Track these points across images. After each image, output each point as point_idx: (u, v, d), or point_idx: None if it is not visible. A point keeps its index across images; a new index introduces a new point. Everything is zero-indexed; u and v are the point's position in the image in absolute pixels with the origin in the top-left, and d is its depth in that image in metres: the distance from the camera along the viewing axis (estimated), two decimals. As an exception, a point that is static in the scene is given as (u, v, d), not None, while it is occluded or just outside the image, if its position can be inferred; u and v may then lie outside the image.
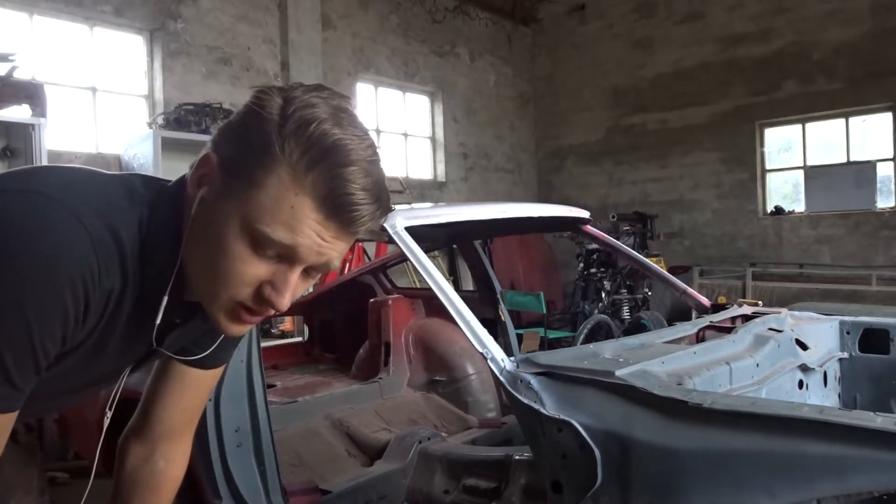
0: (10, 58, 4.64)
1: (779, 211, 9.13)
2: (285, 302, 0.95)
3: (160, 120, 6.07)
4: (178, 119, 5.99)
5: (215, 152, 0.95)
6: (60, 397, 1.16)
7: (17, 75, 4.64)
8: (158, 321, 0.99)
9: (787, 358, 2.31)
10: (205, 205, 0.94)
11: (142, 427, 1.31)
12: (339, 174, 0.88)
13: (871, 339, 2.77)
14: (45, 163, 4.62)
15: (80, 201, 0.91)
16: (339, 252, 0.94)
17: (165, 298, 0.98)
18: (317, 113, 0.89)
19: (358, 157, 0.89)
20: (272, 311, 0.97)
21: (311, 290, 5.15)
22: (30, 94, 4.64)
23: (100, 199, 0.94)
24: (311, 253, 0.91)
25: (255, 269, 0.92)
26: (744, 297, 7.19)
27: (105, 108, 6.26)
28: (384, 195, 0.93)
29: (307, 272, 0.96)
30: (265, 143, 0.89)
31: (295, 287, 0.95)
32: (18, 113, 4.64)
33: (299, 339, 5.42)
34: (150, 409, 1.29)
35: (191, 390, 1.28)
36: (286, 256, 0.92)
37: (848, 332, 2.81)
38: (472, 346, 1.99)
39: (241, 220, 0.90)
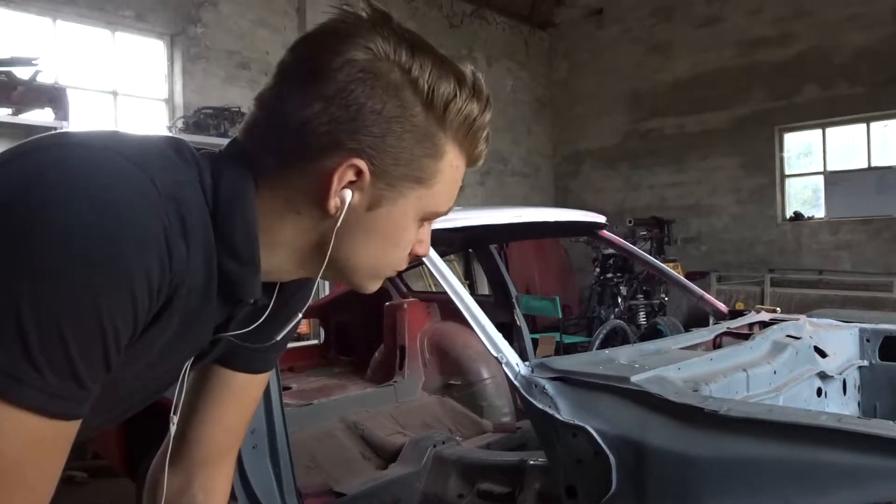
0: (33, 62, 4.72)
1: (798, 216, 9.04)
2: (429, 251, 0.98)
3: (180, 124, 6.14)
4: (198, 123, 6.05)
5: (365, 160, 0.82)
6: (118, 407, 0.95)
7: (41, 79, 4.71)
8: (249, 300, 0.88)
9: (805, 365, 2.28)
10: (356, 208, 0.85)
11: (176, 453, 1.08)
12: (486, 136, 0.93)
13: (892, 347, 2.73)
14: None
15: (141, 154, 0.77)
16: None
17: (258, 276, 0.87)
18: (452, 88, 0.85)
19: (489, 104, 0.92)
20: None
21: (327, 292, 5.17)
22: (52, 97, 4.71)
23: (157, 152, 0.80)
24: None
25: (413, 236, 0.92)
26: (762, 304, 7.12)
27: (126, 111, 6.34)
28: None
29: None
30: (428, 133, 0.84)
31: None
32: (41, 116, 4.70)
33: (315, 341, 5.45)
34: (186, 430, 1.08)
35: (236, 402, 1.10)
36: (434, 216, 0.94)
37: (868, 340, 2.78)
38: (488, 350, 1.99)
39: (415, 212, 0.89)
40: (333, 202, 0.84)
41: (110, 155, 0.74)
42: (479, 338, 2.02)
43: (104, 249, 0.69)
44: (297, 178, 0.85)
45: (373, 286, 0.95)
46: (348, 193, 0.84)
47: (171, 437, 1.02)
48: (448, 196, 0.90)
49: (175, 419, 0.99)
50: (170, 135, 0.92)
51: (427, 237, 0.95)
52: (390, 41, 0.85)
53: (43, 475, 0.73)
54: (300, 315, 1.06)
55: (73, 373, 0.70)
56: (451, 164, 0.88)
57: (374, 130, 0.82)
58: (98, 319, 0.70)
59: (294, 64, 0.87)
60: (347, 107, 0.81)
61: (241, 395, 1.10)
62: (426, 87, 0.83)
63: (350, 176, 0.83)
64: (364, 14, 0.87)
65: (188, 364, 0.96)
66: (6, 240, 0.68)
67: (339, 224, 0.85)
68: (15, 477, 0.69)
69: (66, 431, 0.72)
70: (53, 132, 0.82)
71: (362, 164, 0.82)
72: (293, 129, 0.83)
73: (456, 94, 0.84)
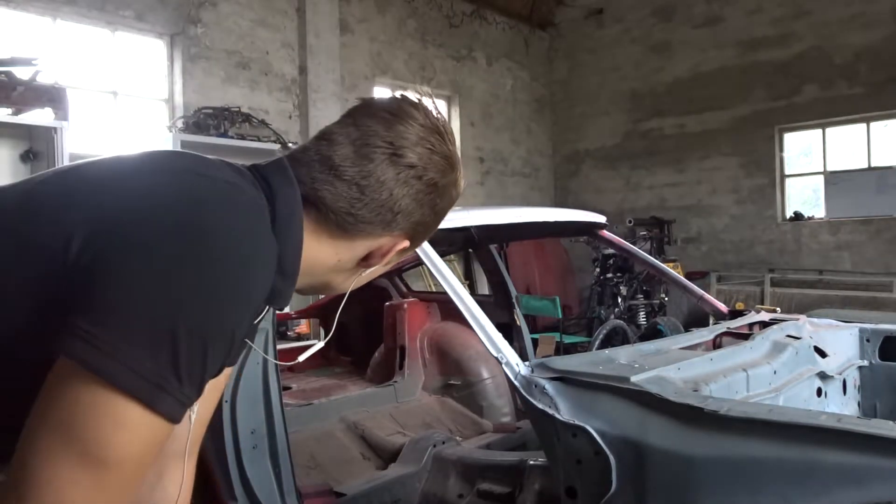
0: (33, 62, 4.71)
1: (798, 216, 9.04)
2: None
3: (180, 123, 6.14)
4: (198, 123, 6.05)
5: (407, 237, 1.05)
6: None
7: (40, 79, 4.71)
8: (288, 309, 1.07)
9: (805, 365, 2.28)
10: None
11: None
12: None
13: (892, 347, 2.73)
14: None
15: (251, 196, 0.92)
16: None
17: (293, 288, 1.02)
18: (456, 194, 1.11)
19: None
20: None
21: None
22: (52, 97, 4.71)
23: (255, 193, 0.94)
24: None
25: None
26: (762, 304, 7.12)
27: (126, 111, 6.34)
28: None
29: None
30: (446, 209, 1.08)
31: None
32: (41, 116, 4.70)
33: (315, 341, 5.45)
34: None
35: (211, 396, 1.16)
36: None
37: (868, 340, 2.78)
38: (488, 350, 1.99)
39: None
40: (375, 261, 1.04)
41: (241, 186, 0.91)
42: (479, 338, 2.02)
43: (248, 276, 0.81)
44: (345, 225, 0.99)
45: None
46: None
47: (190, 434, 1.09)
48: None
49: (192, 416, 1.03)
50: (216, 157, 1.04)
51: None
52: (437, 152, 1.02)
53: (147, 468, 0.81)
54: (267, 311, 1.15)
55: (201, 384, 0.79)
56: None
57: (426, 221, 1.04)
58: (232, 338, 0.80)
59: (376, 135, 0.99)
60: (420, 203, 1.01)
61: (214, 386, 1.14)
62: (456, 194, 1.07)
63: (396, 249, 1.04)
64: (424, 119, 1.02)
65: None
66: (171, 255, 0.77)
67: (364, 273, 1.07)
68: (137, 474, 0.78)
69: (165, 434, 0.80)
70: (189, 154, 0.98)
71: (407, 244, 1.05)
72: (366, 195, 0.98)
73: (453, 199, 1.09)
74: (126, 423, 0.75)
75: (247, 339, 0.98)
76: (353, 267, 1.06)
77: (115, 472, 0.75)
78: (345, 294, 1.12)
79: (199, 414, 1.13)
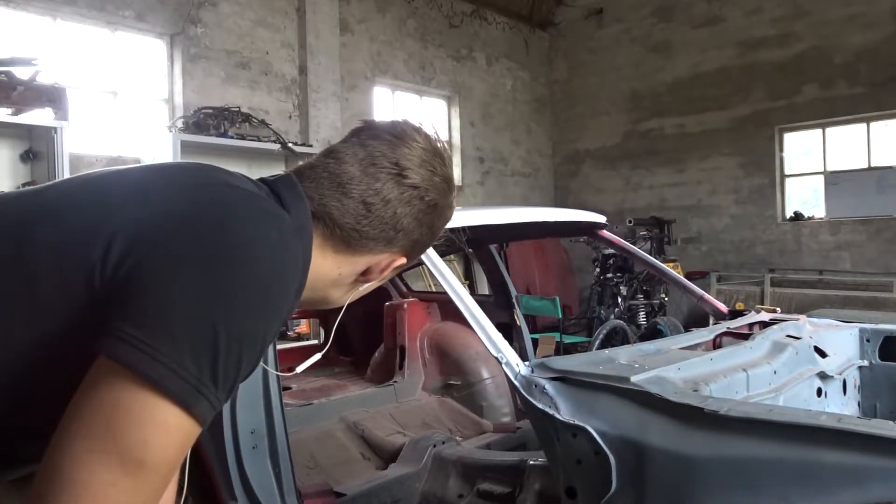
0: (32, 62, 4.71)
1: (798, 216, 9.03)
2: None
3: (180, 123, 6.14)
4: (198, 123, 6.05)
5: (404, 254, 1.10)
6: None
7: (40, 79, 4.71)
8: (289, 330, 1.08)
9: (805, 365, 2.28)
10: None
11: None
12: None
13: (892, 347, 2.73)
14: (65, 166, 4.69)
15: (277, 209, 0.96)
16: None
17: (298, 300, 1.02)
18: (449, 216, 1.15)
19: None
20: None
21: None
22: (52, 97, 4.71)
23: (277, 207, 0.98)
24: None
25: None
26: (762, 304, 7.12)
27: (126, 111, 6.34)
28: None
29: None
30: (441, 229, 1.14)
31: None
32: (41, 116, 4.70)
33: (315, 341, 5.45)
34: None
35: None
36: None
37: (868, 340, 2.78)
38: (487, 350, 1.99)
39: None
40: (373, 276, 1.08)
41: (267, 200, 0.95)
42: (479, 338, 2.02)
43: (284, 286, 0.85)
44: (350, 241, 1.03)
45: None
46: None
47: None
48: None
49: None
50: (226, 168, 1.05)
51: None
52: (438, 175, 1.08)
53: (176, 472, 0.86)
54: None
55: (232, 389, 0.82)
56: None
57: (423, 240, 1.09)
58: (264, 348, 0.83)
59: (383, 155, 1.04)
60: (420, 223, 1.06)
61: None
62: (450, 216, 1.13)
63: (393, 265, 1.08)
64: (425, 142, 1.09)
65: None
66: (213, 262, 0.80)
67: (361, 288, 1.11)
68: (168, 476, 0.80)
69: (194, 433, 0.81)
70: (213, 166, 1.01)
71: (404, 261, 1.09)
72: (372, 213, 1.02)
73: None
74: (167, 424, 0.76)
75: None
76: (352, 282, 1.10)
77: (152, 474, 0.76)
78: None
79: None
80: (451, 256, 7.86)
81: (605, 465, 1.65)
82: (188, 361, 0.76)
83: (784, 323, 2.63)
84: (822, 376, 2.34)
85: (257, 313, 0.81)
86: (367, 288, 1.14)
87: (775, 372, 2.10)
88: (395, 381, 3.61)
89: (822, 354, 2.44)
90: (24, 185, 4.70)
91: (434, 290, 5.80)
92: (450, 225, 1.17)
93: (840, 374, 2.48)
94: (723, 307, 3.09)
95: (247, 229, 0.85)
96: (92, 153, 5.91)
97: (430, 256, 2.12)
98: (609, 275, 7.90)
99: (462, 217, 2.48)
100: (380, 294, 4.20)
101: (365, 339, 4.24)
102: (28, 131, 4.81)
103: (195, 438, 0.81)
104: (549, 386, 1.81)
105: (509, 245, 7.86)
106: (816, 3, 8.65)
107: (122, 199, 0.90)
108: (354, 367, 4.31)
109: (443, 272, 2.13)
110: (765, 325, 2.70)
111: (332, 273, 1.06)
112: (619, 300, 7.78)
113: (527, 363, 1.91)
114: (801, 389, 2.16)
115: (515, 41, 10.62)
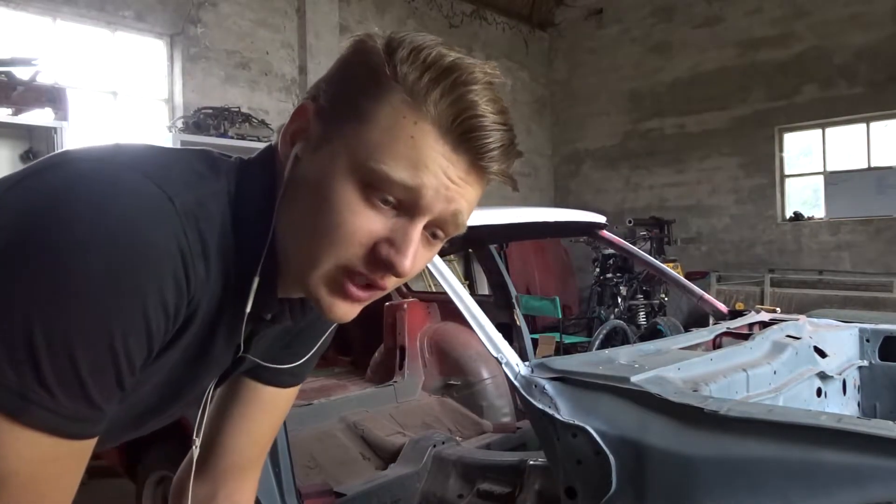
0: (33, 62, 4.72)
1: (798, 217, 9.04)
2: (408, 263, 0.76)
3: (180, 123, 6.14)
4: (198, 123, 6.05)
5: (312, 101, 0.80)
6: (139, 422, 0.93)
7: (40, 79, 4.71)
8: (248, 308, 0.81)
9: (805, 365, 2.29)
10: (301, 163, 0.79)
11: (203, 461, 1.05)
12: (465, 94, 0.75)
13: (892, 347, 2.73)
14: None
15: (160, 171, 0.74)
16: (468, 201, 0.80)
17: (256, 280, 0.80)
18: (428, 40, 0.76)
19: (483, 75, 0.77)
20: (389, 283, 0.81)
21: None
22: (52, 97, 4.71)
23: (183, 167, 0.78)
24: (439, 198, 0.76)
25: (368, 221, 0.75)
26: (762, 304, 7.12)
27: (126, 111, 6.34)
28: (513, 129, 0.81)
29: (432, 234, 0.80)
30: (372, 71, 0.75)
31: (418, 251, 0.78)
32: (41, 116, 4.70)
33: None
34: (213, 439, 1.06)
35: (264, 415, 1.08)
36: (407, 205, 0.75)
37: (868, 340, 2.78)
38: (487, 350, 1.99)
39: (349, 162, 0.74)
40: (282, 150, 0.81)
41: (126, 173, 0.72)
42: (479, 338, 2.02)
43: (117, 272, 0.67)
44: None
45: (330, 298, 0.81)
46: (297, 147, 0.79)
47: (194, 459, 1.01)
48: (388, 151, 0.74)
49: (198, 441, 0.98)
50: (203, 148, 0.87)
51: (403, 239, 0.76)
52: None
53: (59, 489, 0.73)
54: (327, 334, 1.06)
55: (85, 394, 0.69)
56: (400, 115, 0.74)
57: (334, 77, 0.80)
58: (109, 341, 0.68)
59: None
60: (332, 79, 0.80)
61: (269, 407, 1.08)
62: (396, 47, 0.77)
63: (299, 121, 0.80)
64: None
65: (212, 385, 0.95)
66: (20, 261, 0.67)
67: (286, 173, 0.79)
68: (31, 492, 0.70)
69: (81, 449, 0.72)
70: (63, 151, 0.79)
71: (309, 104, 0.79)
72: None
73: (413, 52, 0.75)
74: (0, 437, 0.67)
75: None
76: None
77: (2, 490, 0.68)
78: None
79: (251, 433, 1.08)
80: (452, 256, 7.86)
81: (605, 465, 1.65)
82: (8, 370, 0.66)
83: (784, 323, 2.63)
84: (822, 376, 2.34)
85: (81, 307, 0.67)
86: None
87: (775, 372, 2.10)
88: (395, 382, 3.61)
89: (822, 354, 2.44)
90: (23, 185, 4.70)
91: (434, 290, 5.80)
92: None
93: (840, 375, 2.48)
94: (723, 307, 3.09)
95: (65, 213, 0.68)
96: (92, 153, 5.91)
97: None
98: (609, 275, 7.90)
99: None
100: (380, 294, 4.19)
101: (365, 339, 4.24)
102: (28, 131, 4.81)
103: (69, 452, 0.71)
104: (548, 386, 1.81)
105: (509, 245, 7.85)
106: (816, 3, 8.65)
107: None
108: (354, 367, 4.31)
109: (443, 272, 2.13)
110: (765, 325, 2.70)
111: None
112: (619, 300, 7.78)
113: (527, 363, 1.91)
114: (801, 389, 2.16)
115: (515, 41, 10.62)
